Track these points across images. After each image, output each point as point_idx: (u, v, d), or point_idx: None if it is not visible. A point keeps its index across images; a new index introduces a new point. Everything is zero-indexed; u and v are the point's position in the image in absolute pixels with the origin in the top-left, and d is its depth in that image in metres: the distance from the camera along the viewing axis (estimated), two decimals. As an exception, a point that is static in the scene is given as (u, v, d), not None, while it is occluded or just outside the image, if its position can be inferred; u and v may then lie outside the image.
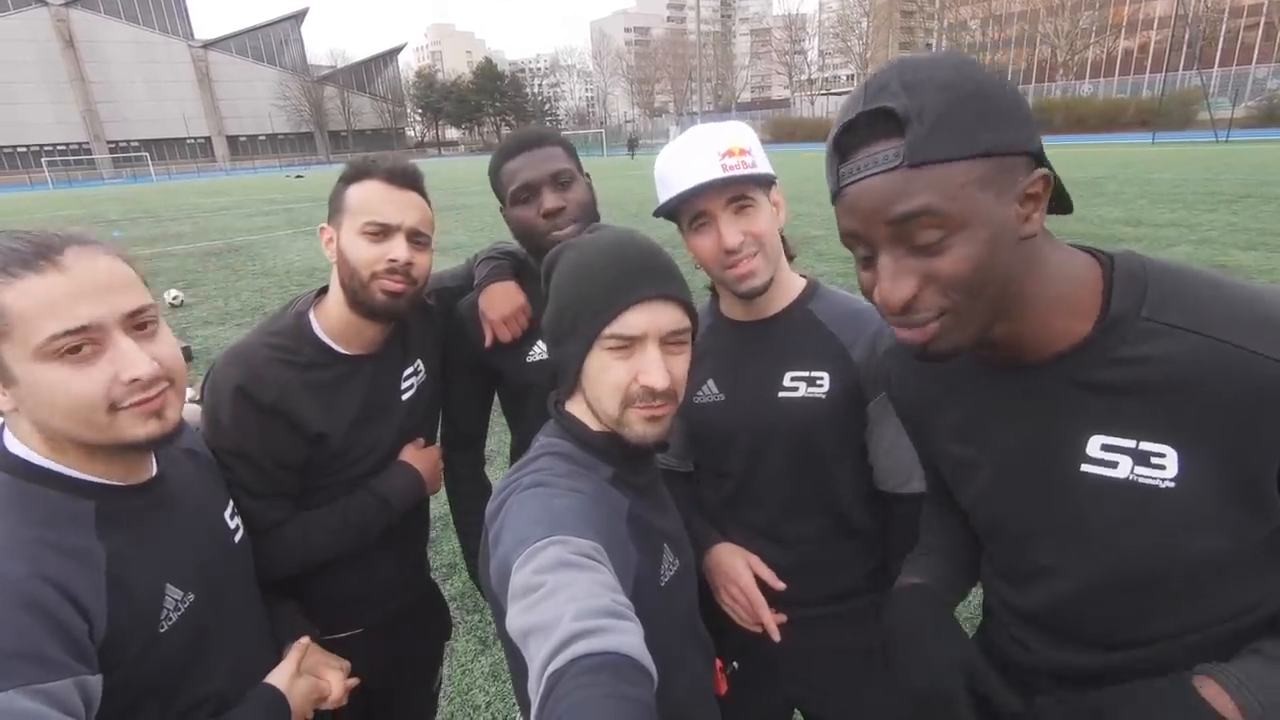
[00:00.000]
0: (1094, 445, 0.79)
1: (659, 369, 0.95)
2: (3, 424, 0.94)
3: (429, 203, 1.38)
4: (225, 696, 1.03)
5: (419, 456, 1.47)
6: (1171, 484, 0.74)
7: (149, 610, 0.92)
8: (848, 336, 1.25)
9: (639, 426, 0.97)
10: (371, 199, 1.29)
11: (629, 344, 0.95)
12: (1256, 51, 56.44)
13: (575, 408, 1.05)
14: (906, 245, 0.74)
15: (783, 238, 1.30)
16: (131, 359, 0.87)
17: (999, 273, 0.73)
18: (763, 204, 1.22)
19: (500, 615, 0.82)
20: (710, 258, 1.22)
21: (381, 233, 1.28)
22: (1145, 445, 0.75)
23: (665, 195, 1.22)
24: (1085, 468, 0.80)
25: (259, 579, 1.22)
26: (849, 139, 0.75)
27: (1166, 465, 0.74)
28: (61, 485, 0.89)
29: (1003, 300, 0.76)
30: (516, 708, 2.49)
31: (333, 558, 1.35)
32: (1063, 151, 24.00)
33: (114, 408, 0.87)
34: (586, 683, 0.62)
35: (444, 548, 3.37)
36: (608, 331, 0.95)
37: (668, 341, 0.97)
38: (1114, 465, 0.78)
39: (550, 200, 1.43)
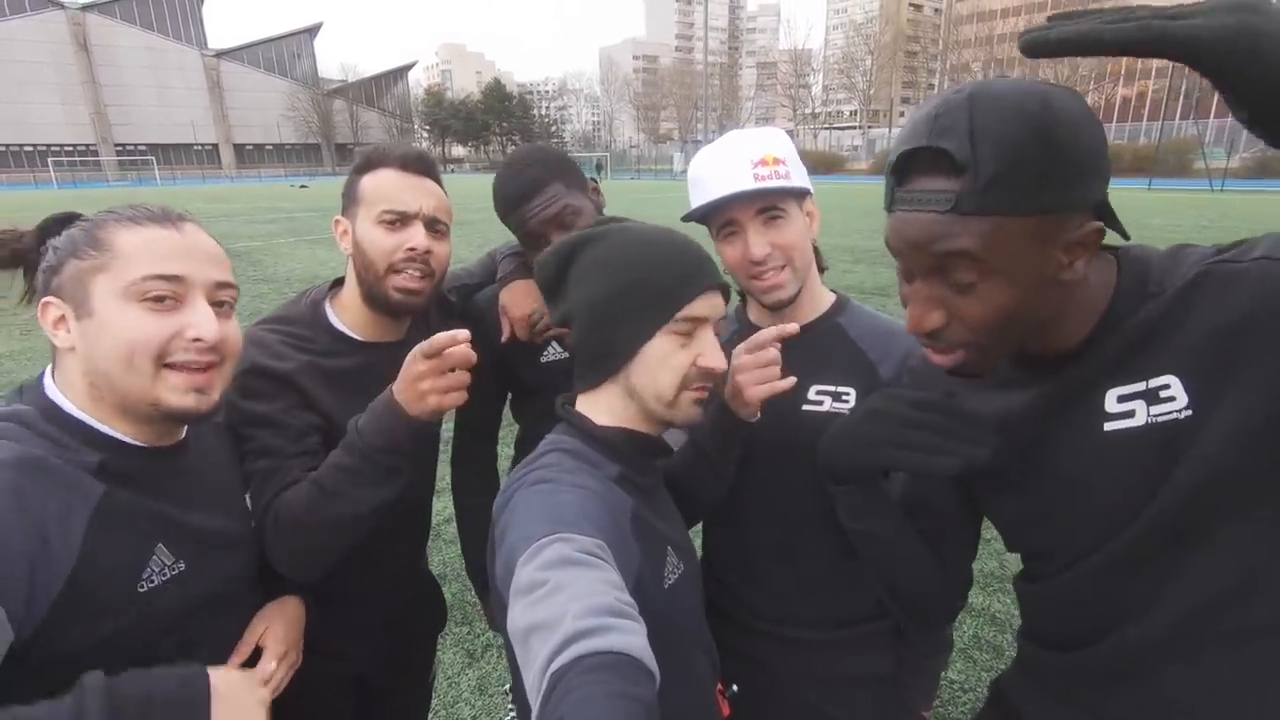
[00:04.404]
0: (1111, 400, 0.80)
1: (719, 352, 1.00)
2: (42, 379, 0.96)
3: (445, 191, 1.34)
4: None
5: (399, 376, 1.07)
6: (1189, 411, 0.74)
7: (131, 563, 0.91)
8: (876, 353, 1.24)
9: (688, 409, 1.01)
10: (387, 187, 1.25)
11: (692, 329, 0.99)
12: (1251, 104, 57.35)
13: (586, 403, 1.05)
14: (941, 278, 0.76)
15: (815, 249, 1.28)
16: (202, 319, 0.92)
17: (1029, 315, 0.76)
18: (794, 215, 1.20)
19: (506, 612, 0.82)
20: (737, 267, 1.21)
21: (399, 221, 1.25)
22: (1152, 382, 0.76)
23: (697, 200, 1.21)
24: (1109, 426, 0.80)
25: (273, 553, 1.14)
26: (908, 165, 0.76)
27: (1175, 395, 0.74)
28: (80, 435, 0.91)
29: (1033, 331, 0.79)
30: (502, 722, 2.45)
31: (334, 515, 1.11)
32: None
33: (162, 360, 0.90)
34: (589, 681, 0.61)
35: (435, 558, 3.33)
36: (681, 315, 0.97)
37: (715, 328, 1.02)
38: (1131, 415, 0.78)
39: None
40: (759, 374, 1.09)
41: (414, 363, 1.03)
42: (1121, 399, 0.79)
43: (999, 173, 0.69)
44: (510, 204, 1.45)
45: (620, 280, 0.99)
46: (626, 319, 0.98)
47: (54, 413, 0.91)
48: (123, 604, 0.90)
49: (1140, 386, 0.77)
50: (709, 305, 1.00)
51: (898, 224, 0.78)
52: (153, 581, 0.93)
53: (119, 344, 0.88)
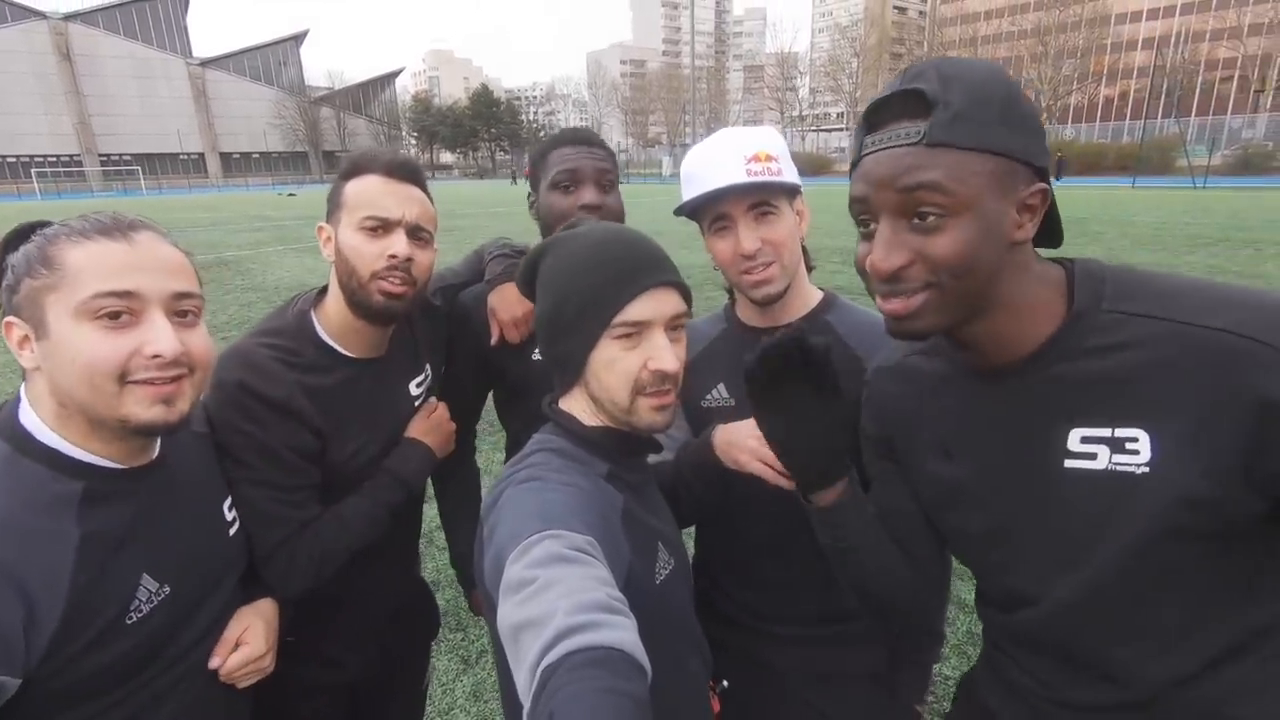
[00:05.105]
0: (1074, 439, 0.80)
1: (669, 353, 0.97)
2: (19, 398, 0.94)
3: (431, 199, 1.32)
4: (180, 690, 1.01)
5: (426, 427, 1.40)
6: (1146, 469, 0.75)
7: (117, 600, 0.91)
8: (865, 350, 1.23)
9: (648, 416, 0.98)
10: (370, 193, 1.24)
11: (637, 332, 0.96)
12: (1231, 103, 58.30)
13: (570, 404, 1.05)
14: (907, 218, 0.78)
15: (803, 248, 1.29)
16: (159, 335, 0.89)
17: (986, 265, 0.78)
18: (785, 212, 1.21)
19: (494, 611, 0.82)
20: (727, 261, 1.22)
21: (381, 228, 1.23)
22: (1120, 432, 0.77)
23: (689, 194, 1.22)
24: (1069, 463, 0.81)
25: (292, 584, 1.20)
26: (880, 114, 0.81)
27: (1140, 450, 0.76)
28: (55, 463, 0.89)
29: (986, 294, 0.80)
30: (498, 728, 2.44)
31: (363, 545, 1.29)
32: (1046, 192, 24.36)
33: (124, 379, 0.88)
34: (580, 677, 0.61)
35: (428, 564, 3.32)
36: (617, 320, 0.95)
37: (669, 326, 0.99)
38: (1093, 457, 0.79)
39: (590, 195, 1.43)
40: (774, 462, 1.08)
41: (446, 421, 1.45)
42: (1086, 440, 0.80)
43: (965, 107, 0.75)
44: (560, 141, 1.50)
45: (563, 289, 0.99)
46: (571, 328, 0.98)
47: (28, 444, 0.89)
48: (112, 638, 0.90)
49: (1105, 432, 0.78)
50: (653, 305, 0.96)
51: (868, 166, 0.81)
52: (140, 611, 0.93)
53: (78, 366, 0.86)
